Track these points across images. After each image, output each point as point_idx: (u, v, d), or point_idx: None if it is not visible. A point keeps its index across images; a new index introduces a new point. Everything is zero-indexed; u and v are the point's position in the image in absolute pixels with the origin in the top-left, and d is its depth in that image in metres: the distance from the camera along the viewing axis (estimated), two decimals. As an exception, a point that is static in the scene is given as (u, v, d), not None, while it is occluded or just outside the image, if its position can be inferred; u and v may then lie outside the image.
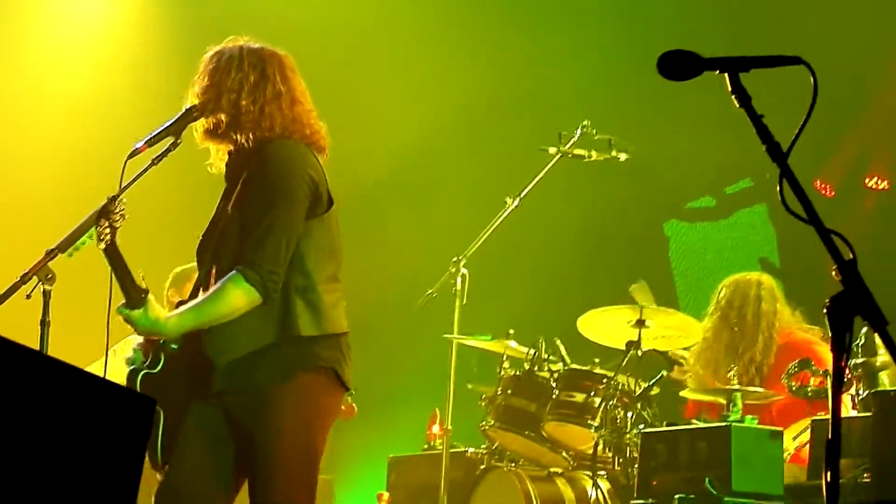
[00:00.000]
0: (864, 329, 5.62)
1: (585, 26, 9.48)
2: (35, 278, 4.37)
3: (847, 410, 5.78)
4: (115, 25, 9.72)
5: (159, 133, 4.32)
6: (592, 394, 6.62)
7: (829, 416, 3.37)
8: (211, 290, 4.20)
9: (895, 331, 2.42)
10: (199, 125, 4.36)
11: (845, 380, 5.51)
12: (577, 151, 7.33)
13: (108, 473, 2.57)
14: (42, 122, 9.29)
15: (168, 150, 4.32)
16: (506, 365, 7.06)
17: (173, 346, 4.30)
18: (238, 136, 4.31)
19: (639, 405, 6.53)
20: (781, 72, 2.61)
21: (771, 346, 6.71)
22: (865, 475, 5.34)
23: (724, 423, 5.88)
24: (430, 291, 7.36)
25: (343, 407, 6.94)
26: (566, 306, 7.61)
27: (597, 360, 6.91)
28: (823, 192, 9.01)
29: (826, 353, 6.42)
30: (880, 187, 8.96)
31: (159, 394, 4.19)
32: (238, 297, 4.14)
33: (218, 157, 4.43)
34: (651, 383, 6.58)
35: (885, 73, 8.90)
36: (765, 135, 2.53)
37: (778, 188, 2.48)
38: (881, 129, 8.91)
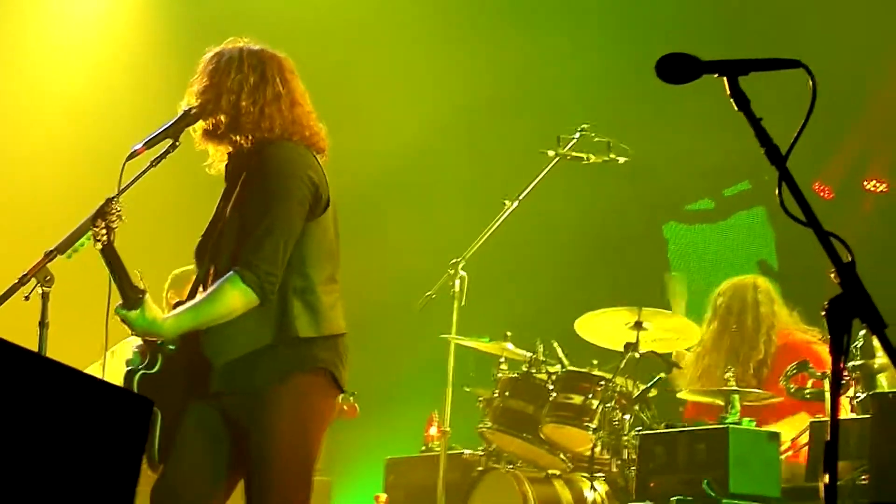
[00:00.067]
0: (863, 331, 5.62)
1: (585, 28, 9.48)
2: (33, 280, 4.37)
3: (846, 412, 5.79)
4: (114, 25, 9.71)
5: (158, 135, 4.32)
6: (590, 396, 6.62)
7: (827, 418, 3.37)
8: (208, 290, 4.20)
9: (893, 333, 2.42)
10: (198, 126, 4.36)
11: (843, 382, 5.54)
12: (576, 154, 7.34)
13: (105, 474, 2.57)
14: (41, 123, 9.28)
15: (166, 152, 4.32)
16: (503, 367, 7.07)
17: (171, 346, 4.30)
18: (237, 138, 4.31)
19: (637, 407, 6.54)
20: (780, 74, 2.61)
21: (771, 348, 6.72)
22: (864, 477, 5.34)
23: (721, 425, 5.89)
24: (428, 293, 7.36)
25: (346, 407, 6.95)
26: (564, 308, 7.61)
27: (595, 362, 6.91)
28: (822, 194, 9.01)
29: (825, 353, 6.44)
30: (879, 190, 8.96)
31: (157, 394, 4.19)
32: (235, 297, 4.14)
33: (217, 158, 4.44)
34: (649, 385, 6.59)
35: (884, 75, 8.90)
36: (763, 137, 2.53)
37: (777, 190, 2.49)
38: (880, 131, 8.92)
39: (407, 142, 9.45)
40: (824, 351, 6.47)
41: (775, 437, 5.88)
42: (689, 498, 5.75)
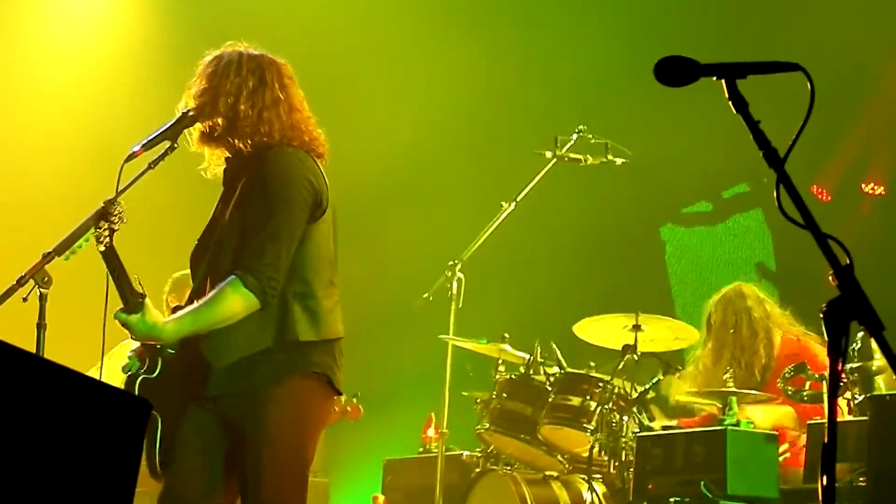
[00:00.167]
0: (861, 333, 5.62)
1: (583, 30, 9.48)
2: (31, 281, 4.36)
3: (843, 415, 5.79)
4: (114, 25, 9.72)
5: (156, 137, 4.31)
6: (588, 397, 6.63)
7: (825, 420, 3.37)
8: (209, 294, 4.20)
9: (891, 335, 2.42)
10: (195, 129, 4.36)
11: (841, 384, 5.54)
12: (573, 155, 7.34)
13: (103, 476, 2.56)
14: (40, 123, 9.29)
15: (164, 154, 4.32)
16: (501, 368, 7.07)
17: (170, 350, 4.30)
18: (235, 141, 4.31)
19: (635, 409, 6.54)
20: (778, 77, 2.61)
21: (772, 350, 6.72)
22: (861, 479, 5.34)
23: (719, 427, 5.89)
24: (425, 295, 7.37)
25: (349, 408, 6.95)
26: (562, 310, 7.62)
27: (593, 364, 6.92)
28: (820, 196, 9.01)
29: (821, 351, 6.45)
30: (877, 192, 8.96)
31: (158, 399, 4.18)
32: (236, 302, 4.14)
33: (213, 161, 4.43)
34: (647, 387, 6.59)
35: (882, 78, 8.91)
36: (761, 140, 2.53)
37: (775, 193, 2.49)
38: (878, 134, 8.92)
39: (404, 143, 9.46)
40: (822, 351, 6.48)
41: (773, 438, 5.88)
42: (687, 499, 5.75)
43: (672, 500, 5.79)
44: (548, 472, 6.89)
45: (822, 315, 2.38)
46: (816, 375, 6.00)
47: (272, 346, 4.20)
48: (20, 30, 9.43)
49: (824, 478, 2.38)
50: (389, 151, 9.49)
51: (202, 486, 4.27)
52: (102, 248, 4.18)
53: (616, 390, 6.61)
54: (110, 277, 4.20)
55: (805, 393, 6.07)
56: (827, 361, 2.44)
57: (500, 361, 7.09)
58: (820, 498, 2.39)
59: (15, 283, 4.35)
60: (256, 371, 4.20)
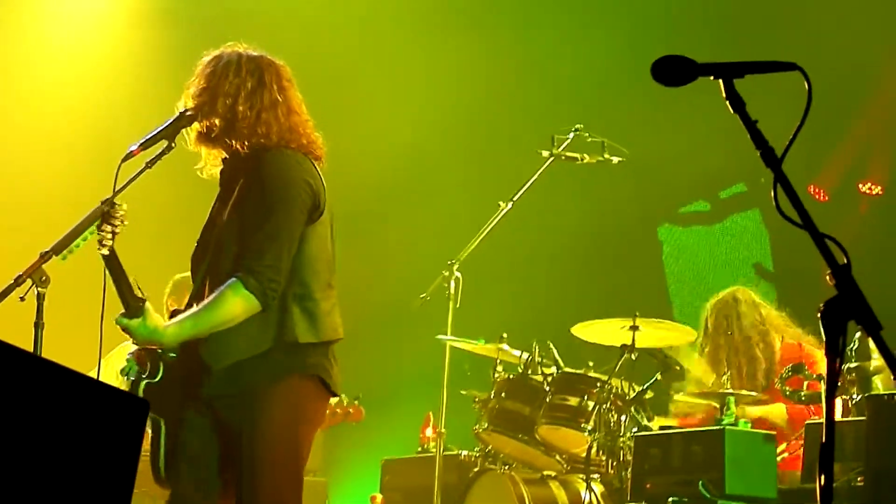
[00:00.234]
0: (858, 333, 5.62)
1: (581, 29, 9.48)
2: (29, 280, 4.36)
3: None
4: (114, 25, 9.71)
5: (153, 136, 4.30)
6: (586, 397, 6.62)
7: (822, 420, 3.37)
8: (210, 297, 4.19)
9: (889, 335, 2.42)
10: (193, 128, 4.35)
11: (839, 384, 5.54)
12: (570, 154, 7.34)
13: (101, 476, 2.56)
14: (39, 124, 9.28)
15: (162, 154, 4.31)
16: (499, 368, 7.06)
17: (171, 354, 4.29)
18: (233, 142, 4.31)
19: (633, 408, 6.54)
20: (776, 76, 2.61)
21: (772, 354, 6.72)
22: (859, 479, 5.34)
23: (717, 427, 5.89)
24: (423, 295, 7.36)
25: (351, 410, 6.94)
26: (560, 310, 7.62)
27: (590, 364, 6.91)
28: (817, 196, 9.02)
29: (818, 353, 6.46)
30: (874, 192, 8.97)
31: (160, 403, 4.18)
32: (237, 304, 4.14)
33: (210, 161, 4.43)
34: (645, 387, 6.59)
35: (881, 78, 8.91)
36: (759, 140, 2.53)
37: (772, 193, 2.49)
38: (876, 134, 8.93)
39: (404, 143, 9.46)
40: (819, 352, 6.49)
41: (771, 438, 5.88)
42: (685, 499, 5.75)
43: (670, 499, 5.79)
44: (546, 472, 6.89)
45: (819, 315, 2.39)
46: (814, 375, 6.01)
47: (271, 348, 4.20)
48: (20, 30, 9.43)
49: (822, 477, 2.38)
50: (389, 151, 9.48)
51: (200, 487, 4.27)
52: (105, 251, 4.17)
53: (614, 390, 6.60)
54: (109, 280, 4.19)
55: (803, 393, 6.07)
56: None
57: (498, 361, 7.08)
58: (818, 498, 2.39)
59: (12, 282, 4.35)
60: (253, 372, 4.20)
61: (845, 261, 2.41)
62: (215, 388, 4.24)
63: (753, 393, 6.33)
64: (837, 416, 5.66)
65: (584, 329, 6.89)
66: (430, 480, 7.03)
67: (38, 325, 4.45)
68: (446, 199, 9.47)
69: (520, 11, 9.78)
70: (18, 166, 9.11)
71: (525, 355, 6.95)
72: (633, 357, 6.62)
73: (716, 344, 6.78)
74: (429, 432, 7.73)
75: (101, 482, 2.56)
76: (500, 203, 7.28)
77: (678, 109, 8.39)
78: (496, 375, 7.01)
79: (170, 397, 4.25)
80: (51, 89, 9.39)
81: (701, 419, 6.76)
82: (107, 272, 4.19)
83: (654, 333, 6.76)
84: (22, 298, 4.38)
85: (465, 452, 7.35)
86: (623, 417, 6.51)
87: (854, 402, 5.72)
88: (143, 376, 4.28)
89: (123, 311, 4.18)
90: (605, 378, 6.65)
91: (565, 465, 6.84)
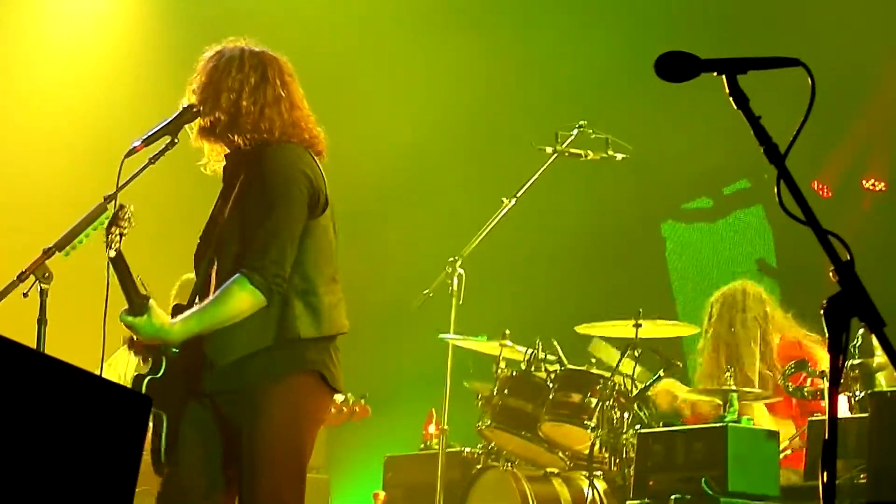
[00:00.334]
0: (861, 330, 5.62)
1: (583, 26, 9.47)
2: (32, 277, 4.37)
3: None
4: (114, 25, 9.71)
5: (156, 132, 4.30)
6: (589, 394, 6.62)
7: (825, 417, 3.38)
8: (215, 294, 4.19)
9: (892, 332, 2.42)
10: (195, 124, 4.35)
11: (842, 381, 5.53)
12: (574, 150, 7.33)
13: (105, 471, 2.56)
14: (39, 124, 9.28)
15: (165, 150, 4.31)
16: (502, 365, 7.06)
17: (174, 350, 4.29)
18: (235, 137, 4.30)
19: (635, 405, 6.54)
20: (779, 72, 2.61)
21: (770, 352, 6.72)
22: (862, 476, 5.34)
23: (720, 424, 5.89)
24: (426, 291, 7.36)
25: (357, 409, 6.94)
26: (563, 306, 7.62)
27: (593, 361, 6.91)
28: (821, 192, 9.01)
29: (819, 353, 6.46)
30: (877, 188, 8.96)
31: (163, 398, 4.19)
32: (243, 300, 4.13)
33: (212, 157, 4.42)
34: (648, 384, 6.59)
35: (883, 74, 8.90)
36: (762, 136, 2.53)
37: (775, 189, 2.48)
38: (879, 130, 8.92)
39: (404, 140, 9.46)
40: (825, 355, 6.48)
41: (774, 435, 5.88)
42: (688, 496, 5.75)
43: (673, 496, 5.79)
44: (549, 469, 6.89)
45: (822, 311, 2.38)
46: (817, 372, 6.01)
47: (273, 344, 4.20)
48: (20, 30, 9.42)
49: (825, 475, 2.37)
50: (390, 151, 9.48)
51: (202, 481, 4.27)
52: (113, 253, 4.17)
53: (617, 387, 6.60)
54: (114, 280, 4.18)
55: (806, 390, 6.07)
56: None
57: (500, 358, 7.08)
58: (820, 495, 2.39)
59: (15, 278, 4.36)
60: (255, 368, 4.20)
61: (848, 257, 2.41)
62: (217, 384, 4.24)
63: (757, 390, 6.32)
64: (841, 413, 5.66)
65: (587, 331, 6.91)
66: (432, 477, 7.02)
67: (41, 322, 4.46)
68: (447, 199, 9.47)
69: (520, 11, 9.77)
70: (18, 166, 9.11)
71: (528, 352, 6.95)
72: (637, 354, 6.62)
73: (718, 334, 6.77)
74: (431, 429, 7.74)
75: (104, 478, 2.56)
76: (504, 199, 7.28)
77: (680, 107, 8.39)
78: (499, 372, 7.01)
79: (172, 392, 4.25)
80: (51, 89, 9.39)
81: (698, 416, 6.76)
82: (111, 271, 4.18)
83: (657, 332, 6.76)
84: (25, 295, 4.39)
85: (467, 449, 7.36)
86: (626, 414, 6.51)
87: (857, 399, 5.72)
88: (146, 373, 4.29)
89: (127, 308, 4.18)
90: (608, 375, 6.66)
91: (568, 462, 6.85)
